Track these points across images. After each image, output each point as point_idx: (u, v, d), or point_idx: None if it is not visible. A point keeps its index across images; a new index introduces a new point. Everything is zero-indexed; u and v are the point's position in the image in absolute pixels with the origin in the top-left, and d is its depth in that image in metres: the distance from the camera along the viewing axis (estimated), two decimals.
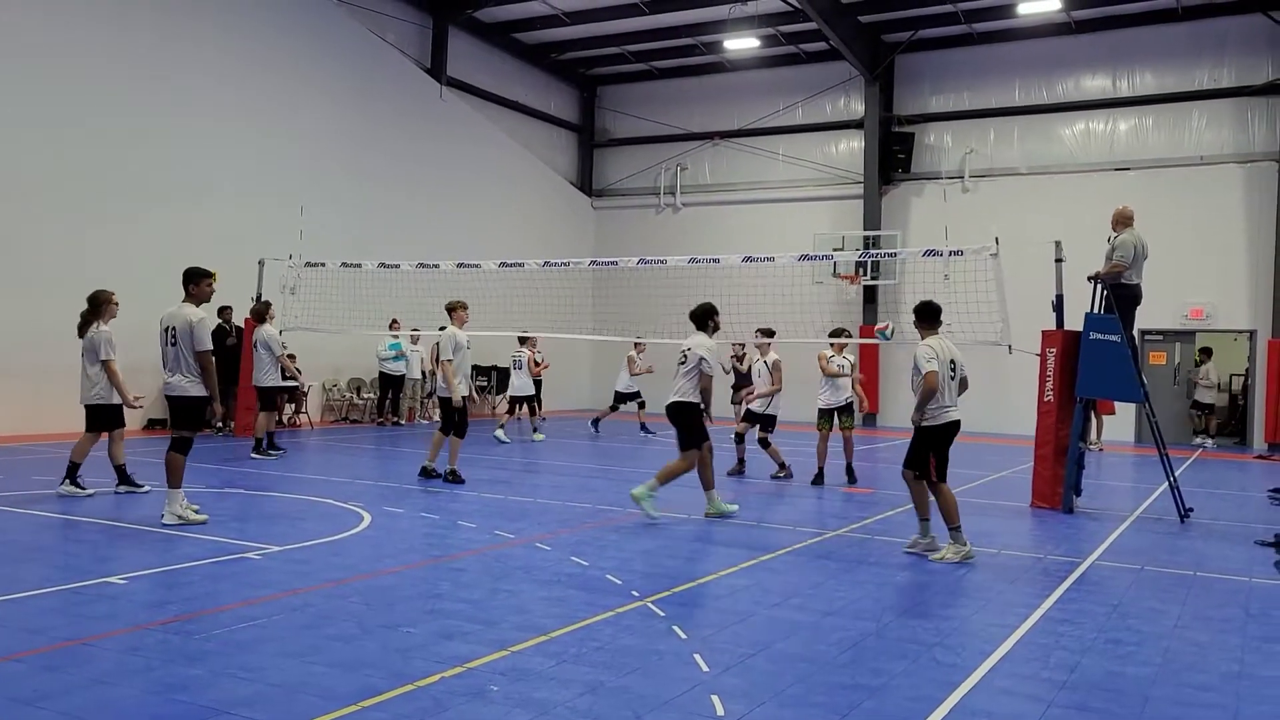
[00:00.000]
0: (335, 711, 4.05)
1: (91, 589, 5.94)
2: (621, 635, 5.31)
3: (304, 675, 4.49)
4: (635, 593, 6.24)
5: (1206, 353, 20.06)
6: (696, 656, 4.97)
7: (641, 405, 18.13)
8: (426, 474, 11.24)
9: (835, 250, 21.46)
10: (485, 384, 22.68)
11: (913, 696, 4.49)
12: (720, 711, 4.23)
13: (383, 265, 15.78)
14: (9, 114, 14.15)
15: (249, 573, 6.54)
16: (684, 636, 5.32)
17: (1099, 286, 10.58)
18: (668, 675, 4.69)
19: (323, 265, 16.21)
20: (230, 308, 16.27)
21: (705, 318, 9.74)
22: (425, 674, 4.55)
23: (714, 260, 14.12)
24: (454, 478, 10.97)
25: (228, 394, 16.01)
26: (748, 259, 13.52)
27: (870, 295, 22.82)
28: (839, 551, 7.92)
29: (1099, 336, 10.21)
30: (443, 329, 11.36)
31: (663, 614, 5.77)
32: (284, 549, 7.25)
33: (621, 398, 18.17)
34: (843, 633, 5.51)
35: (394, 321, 18.32)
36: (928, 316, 8.35)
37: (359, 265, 15.92)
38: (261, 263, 16.28)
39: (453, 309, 11.35)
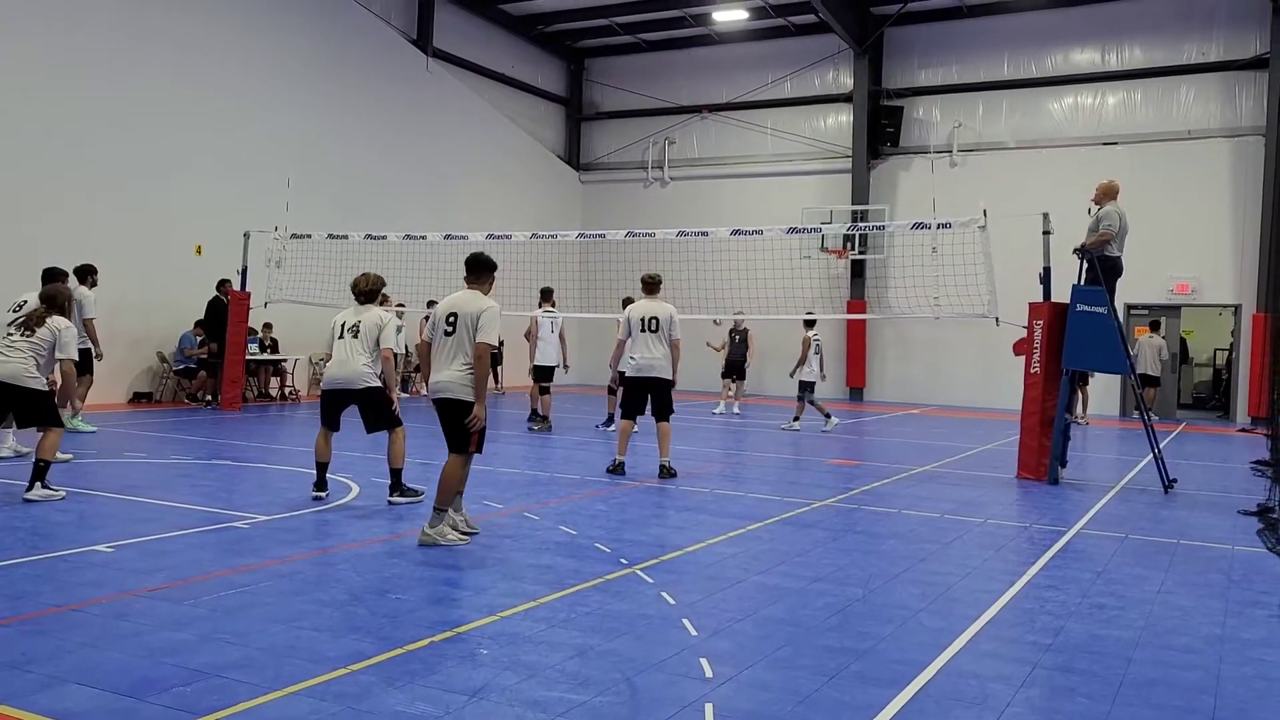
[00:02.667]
0: (325, 674, 4.06)
1: (78, 556, 5.92)
2: (610, 601, 5.33)
3: (292, 640, 4.49)
4: (623, 560, 6.26)
5: (1154, 326, 19.99)
6: (685, 621, 4.99)
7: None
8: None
9: (823, 224, 21.48)
10: None
11: (899, 659, 4.53)
12: (709, 673, 4.25)
13: (370, 237, 15.69)
14: (10, 92, 13.99)
15: (236, 541, 6.53)
16: (672, 602, 5.35)
17: (1085, 259, 10.62)
18: (656, 639, 4.72)
19: (309, 237, 16.11)
20: (229, 281, 16.17)
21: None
22: (415, 638, 4.56)
23: (702, 233, 14.07)
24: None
25: (217, 365, 16.01)
26: (736, 232, 13.49)
27: (858, 269, 22.84)
28: (825, 520, 7.96)
29: (1086, 309, 10.25)
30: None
31: (651, 580, 5.79)
32: (271, 518, 7.24)
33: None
34: (829, 598, 5.55)
35: (384, 295, 18.20)
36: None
37: (346, 237, 15.83)
38: (247, 235, 16.17)
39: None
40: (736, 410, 17.92)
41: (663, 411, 10.01)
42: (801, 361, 15.46)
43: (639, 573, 5.97)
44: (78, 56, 15.08)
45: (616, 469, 10.10)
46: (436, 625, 4.77)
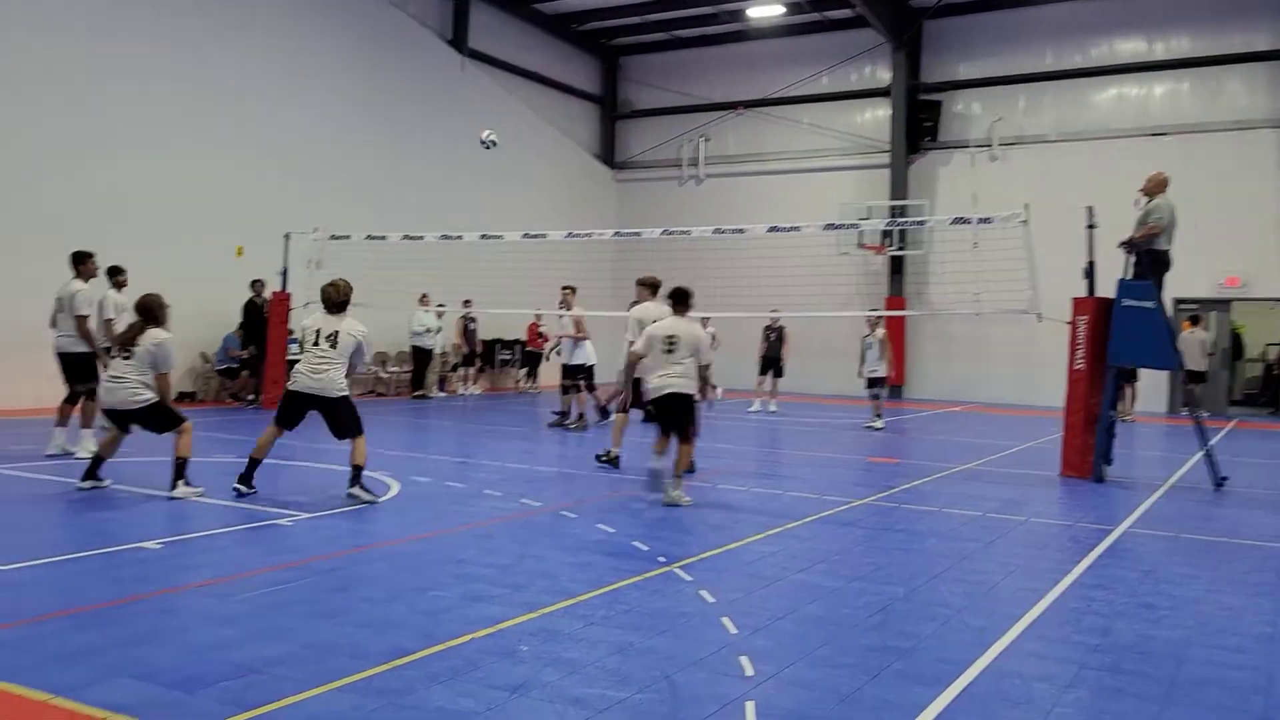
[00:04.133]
0: (367, 670, 4.09)
1: (127, 553, 6.02)
2: (649, 599, 5.33)
3: (335, 636, 4.53)
4: (662, 558, 6.25)
5: (1195, 320, 19.52)
6: (724, 619, 4.97)
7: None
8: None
9: (861, 220, 21.30)
10: (509, 357, 22.76)
11: (942, 658, 4.48)
12: (750, 671, 4.23)
13: (407, 237, 15.80)
14: (53, 94, 14.25)
15: (278, 538, 6.61)
16: (711, 600, 5.33)
17: (1132, 253, 10.44)
18: (696, 637, 4.70)
19: (348, 238, 16.26)
20: (262, 281, 16.37)
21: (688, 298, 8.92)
22: (455, 635, 4.58)
23: (738, 230, 14.02)
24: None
25: (259, 365, 16.22)
26: (773, 229, 13.42)
27: (897, 265, 22.65)
28: (865, 519, 7.90)
29: (1132, 303, 10.08)
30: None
31: (689, 578, 5.78)
32: (312, 516, 7.32)
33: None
34: (870, 597, 5.50)
35: (424, 296, 18.40)
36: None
37: (384, 238, 15.96)
38: (287, 236, 16.35)
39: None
40: (773, 408, 17.84)
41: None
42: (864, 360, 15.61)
43: (677, 571, 5.96)
44: (119, 59, 15.32)
45: (611, 460, 10.04)
46: (476, 622, 4.79)
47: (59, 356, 9.88)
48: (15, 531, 6.61)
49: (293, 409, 8.07)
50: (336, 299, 8.17)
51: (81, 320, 9.68)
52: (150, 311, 8.10)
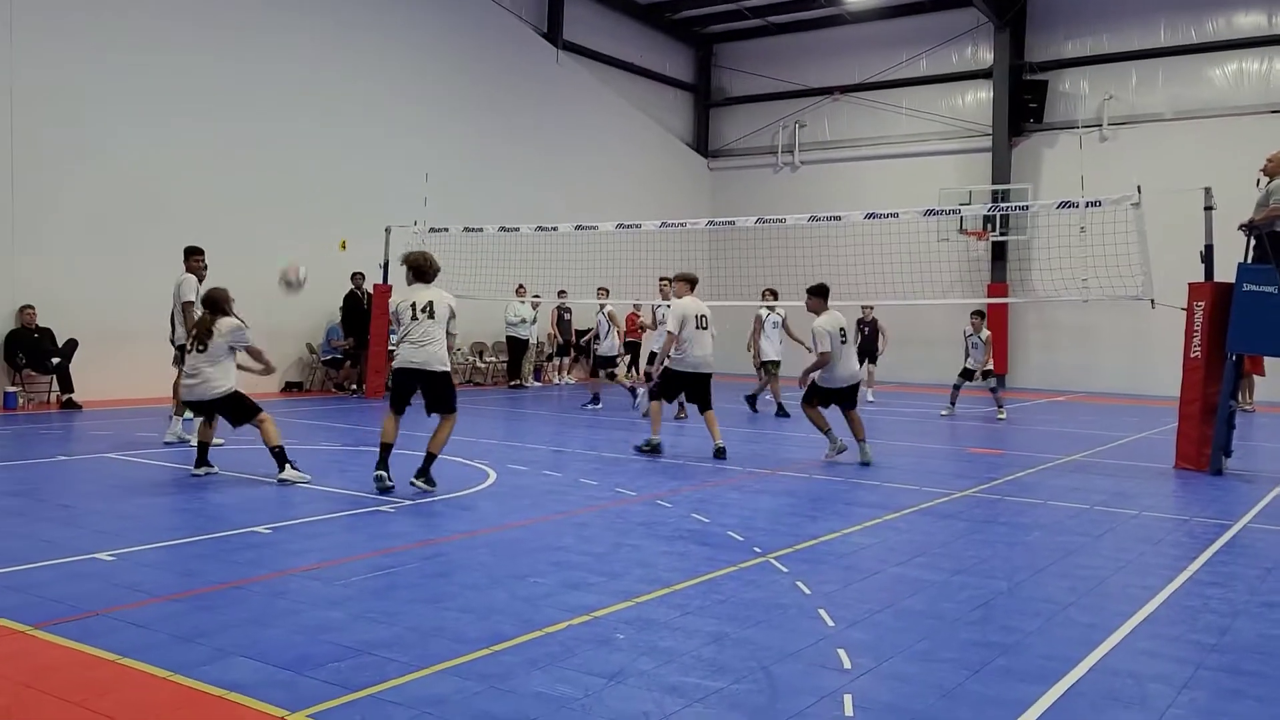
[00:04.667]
0: (468, 654, 4.18)
1: (240, 537, 6.27)
2: (744, 589, 5.31)
3: (437, 620, 4.64)
4: (757, 549, 6.23)
5: None
6: (821, 611, 4.93)
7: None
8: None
9: (962, 205, 20.77)
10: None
11: (1047, 655, 4.36)
12: (847, 664, 4.19)
13: (503, 229, 16.04)
14: (160, 112, 14.90)
15: (382, 524, 6.79)
16: (808, 592, 5.28)
17: (1252, 235, 9.94)
18: (792, 628, 4.67)
19: (446, 231, 16.58)
20: (362, 274, 16.83)
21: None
22: (553, 621, 4.65)
23: (835, 218, 13.81)
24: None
25: (360, 356, 16.71)
26: (870, 216, 13.18)
27: (999, 251, 22.05)
28: (967, 511, 7.72)
29: (1253, 288, 9.60)
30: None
31: (785, 570, 5.74)
32: (415, 503, 7.50)
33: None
34: (972, 591, 5.38)
35: (520, 287, 18.66)
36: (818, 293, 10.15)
37: (481, 230, 16.23)
38: (388, 230, 16.76)
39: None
40: (870, 398, 17.60)
41: (709, 402, 10.50)
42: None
43: (773, 561, 5.92)
44: (227, 58, 15.89)
45: (654, 449, 10.33)
46: (574, 609, 4.85)
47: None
48: (138, 516, 6.95)
49: (401, 389, 8.00)
50: (427, 268, 8.14)
51: (185, 308, 10.09)
52: (218, 305, 8.44)
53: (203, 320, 8.42)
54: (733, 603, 5.05)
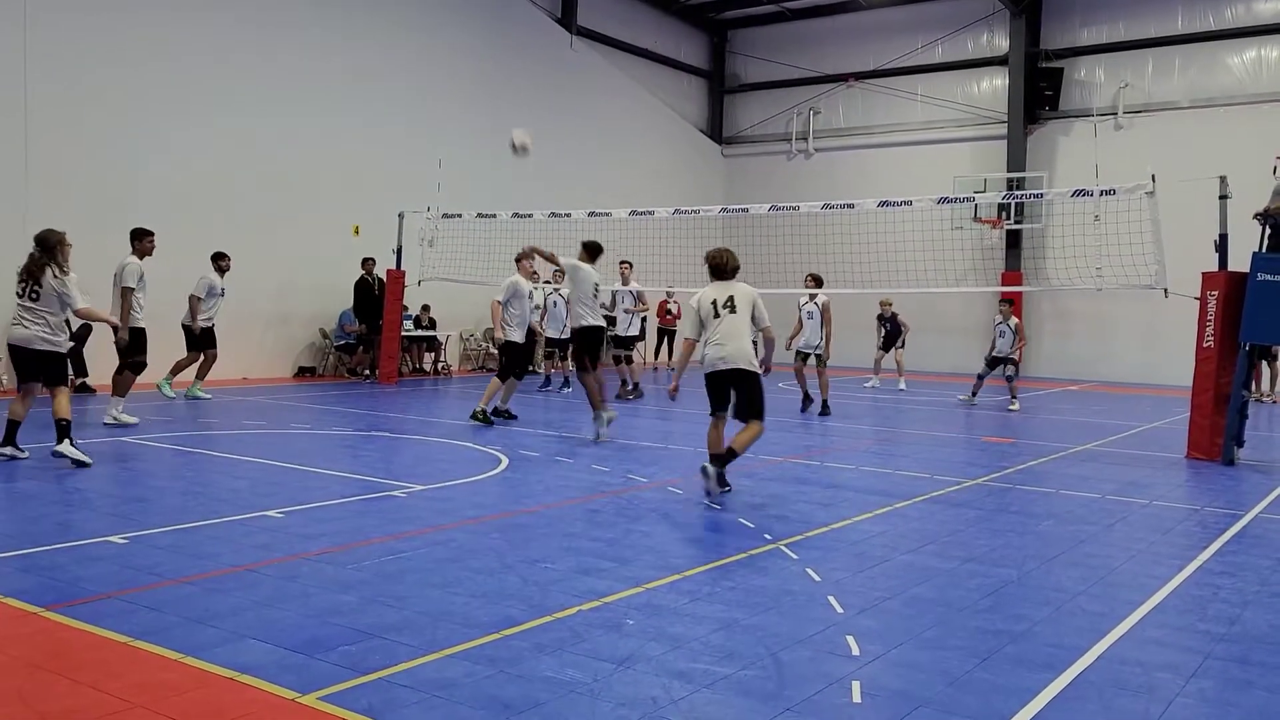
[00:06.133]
0: (478, 639, 4.21)
1: (252, 521, 6.32)
2: (754, 576, 5.32)
3: (447, 605, 4.67)
4: (767, 536, 6.24)
5: None
6: (830, 598, 4.94)
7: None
8: (478, 418, 11.36)
9: (976, 193, 20.66)
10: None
11: (1056, 644, 4.36)
12: (856, 651, 4.20)
13: (516, 215, 16.04)
14: (196, 109, 14.94)
15: (394, 509, 6.83)
16: (817, 579, 5.29)
17: (1267, 225, 9.87)
18: (802, 615, 4.68)
19: (459, 216, 16.59)
20: (373, 259, 16.85)
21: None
22: (563, 606, 4.67)
23: (848, 205, 13.77)
24: (483, 418, 11.29)
25: (373, 342, 16.77)
26: (884, 203, 13.14)
27: (1014, 239, 21.93)
28: (977, 500, 7.71)
29: (1268, 278, 9.53)
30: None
31: (795, 557, 5.75)
32: (426, 488, 7.54)
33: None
34: (981, 579, 5.38)
35: (534, 273, 18.63)
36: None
37: (494, 216, 16.23)
38: (401, 215, 16.79)
39: (518, 259, 12.26)
40: (902, 385, 17.78)
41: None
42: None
43: (783, 548, 5.93)
44: (238, 49, 15.91)
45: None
46: (584, 595, 4.87)
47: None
48: (151, 500, 7.00)
49: (717, 393, 7.59)
50: (724, 264, 7.77)
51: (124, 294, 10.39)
52: (50, 248, 8.08)
53: (35, 260, 8.05)
54: (742, 589, 5.07)
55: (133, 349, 10.38)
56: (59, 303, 8.10)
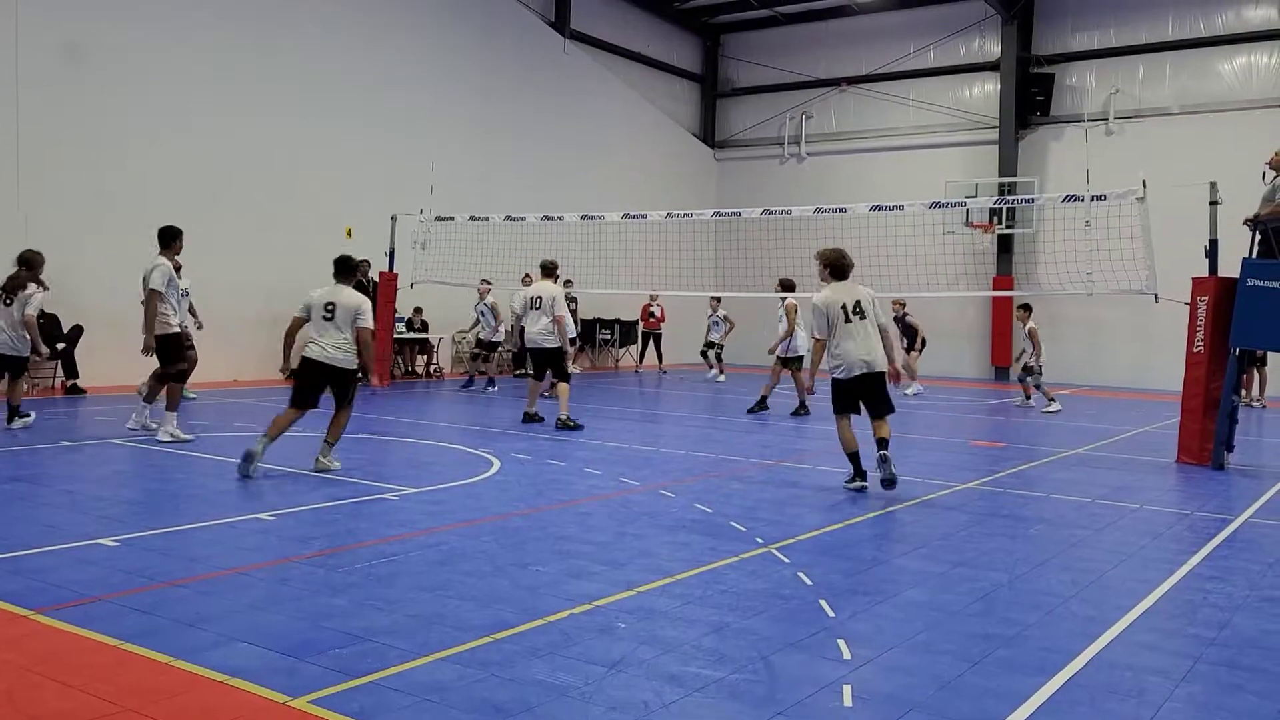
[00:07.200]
0: (470, 642, 4.20)
1: (244, 523, 6.30)
2: (746, 580, 5.33)
3: (439, 608, 4.66)
4: (759, 539, 6.24)
5: None
6: (822, 602, 4.94)
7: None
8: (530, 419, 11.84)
9: (968, 198, 20.73)
10: (608, 336, 22.92)
11: (1047, 647, 4.37)
12: (847, 655, 4.20)
13: (509, 218, 16.04)
14: (187, 104, 14.91)
15: (386, 512, 6.82)
16: (809, 582, 5.30)
17: (1257, 230, 9.92)
18: (793, 619, 4.69)
19: (452, 219, 16.58)
20: (368, 261, 16.81)
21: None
22: (555, 610, 4.67)
23: (840, 210, 13.80)
24: (571, 424, 11.30)
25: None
26: (875, 208, 13.18)
27: (1005, 244, 22.00)
28: (969, 504, 7.73)
29: (1258, 283, 9.58)
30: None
31: (787, 560, 5.76)
32: (418, 491, 7.53)
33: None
34: (972, 583, 5.39)
35: (526, 276, 18.64)
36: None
37: (487, 219, 16.24)
38: (394, 218, 16.76)
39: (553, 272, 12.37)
40: (909, 391, 17.79)
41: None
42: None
43: (775, 552, 5.94)
44: (229, 45, 15.88)
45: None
46: (575, 598, 4.87)
47: None
48: (141, 502, 6.98)
49: (847, 396, 7.90)
50: (845, 265, 8.03)
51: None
52: (33, 266, 9.97)
53: (19, 277, 9.83)
54: (734, 593, 5.07)
55: (168, 357, 9.67)
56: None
